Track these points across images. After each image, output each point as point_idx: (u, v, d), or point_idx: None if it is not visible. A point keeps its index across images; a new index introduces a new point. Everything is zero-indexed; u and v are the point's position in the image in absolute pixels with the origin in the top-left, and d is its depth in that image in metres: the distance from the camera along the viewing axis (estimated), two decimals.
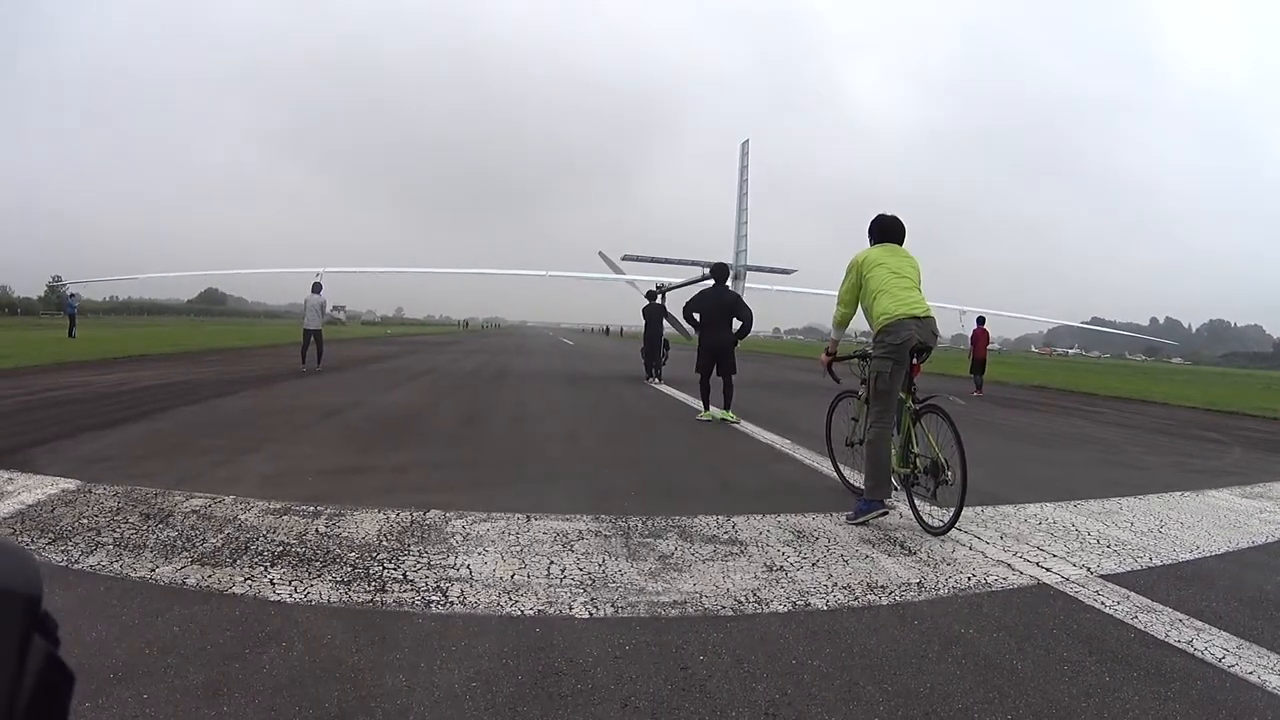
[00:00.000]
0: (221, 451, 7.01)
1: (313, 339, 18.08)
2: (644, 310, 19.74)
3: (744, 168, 23.50)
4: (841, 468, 6.60)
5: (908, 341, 5.38)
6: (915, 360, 5.50)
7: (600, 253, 30.96)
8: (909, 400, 5.51)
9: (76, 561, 3.85)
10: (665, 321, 19.75)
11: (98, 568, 3.78)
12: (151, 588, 3.56)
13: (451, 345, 42.27)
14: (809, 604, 3.74)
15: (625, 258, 27.33)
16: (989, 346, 21.38)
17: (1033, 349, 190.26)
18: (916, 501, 5.40)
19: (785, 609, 3.67)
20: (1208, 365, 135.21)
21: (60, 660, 0.60)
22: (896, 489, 5.52)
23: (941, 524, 5.08)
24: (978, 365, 20.43)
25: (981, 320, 21.09)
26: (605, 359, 33.44)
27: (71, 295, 43.38)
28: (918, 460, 5.38)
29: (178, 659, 2.85)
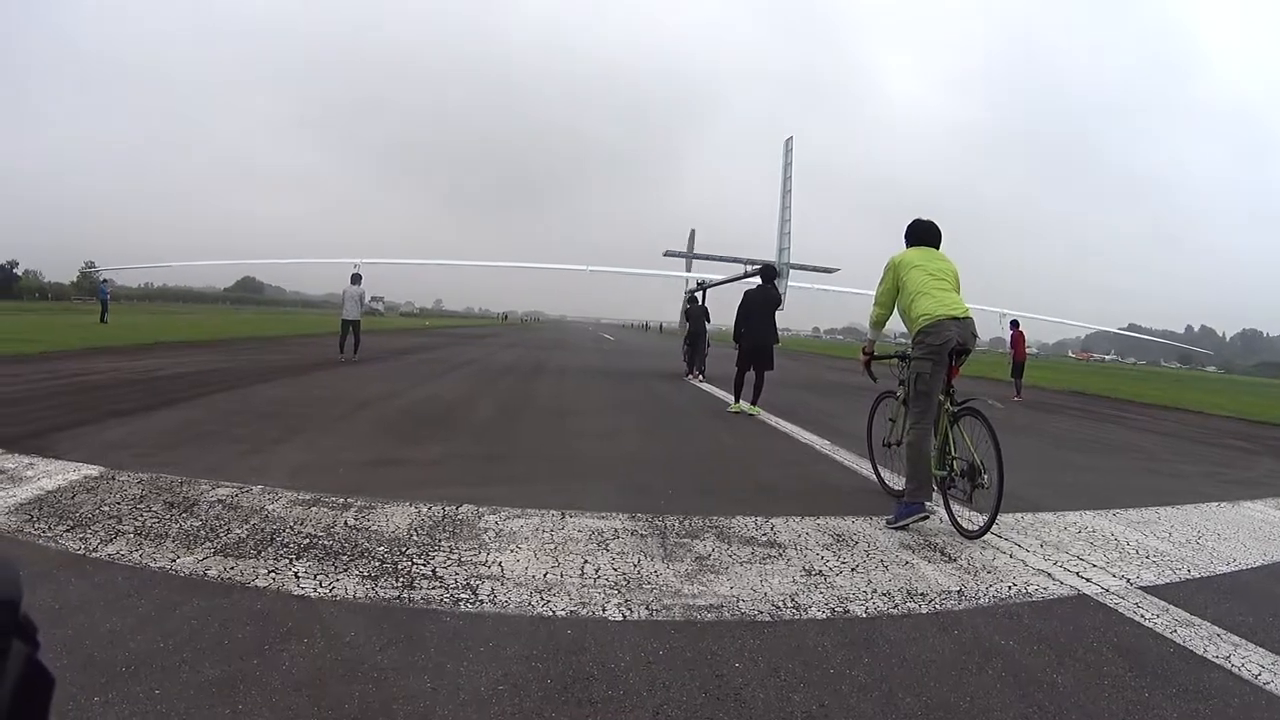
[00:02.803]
0: (252, 440, 6.96)
1: (351, 329, 18.16)
2: (686, 312, 20.07)
3: (787, 164, 23.25)
4: (880, 470, 6.53)
5: (948, 343, 5.31)
6: (953, 363, 5.45)
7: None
8: (947, 402, 5.44)
9: (95, 550, 3.76)
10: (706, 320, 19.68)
11: (116, 556, 3.69)
12: (171, 578, 3.47)
13: (490, 338, 42.34)
14: (848, 611, 3.65)
15: (666, 253, 27.13)
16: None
17: (1070, 354, 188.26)
18: (953, 505, 5.34)
19: (824, 615, 3.58)
20: (1240, 375, 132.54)
21: (40, 664, 0.61)
22: (934, 491, 5.44)
23: (977, 528, 5.03)
24: (1018, 369, 20.19)
25: (1016, 324, 20.99)
26: (645, 355, 33.45)
27: (104, 281, 43.23)
28: (954, 463, 5.33)
29: (194, 653, 2.74)
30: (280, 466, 5.92)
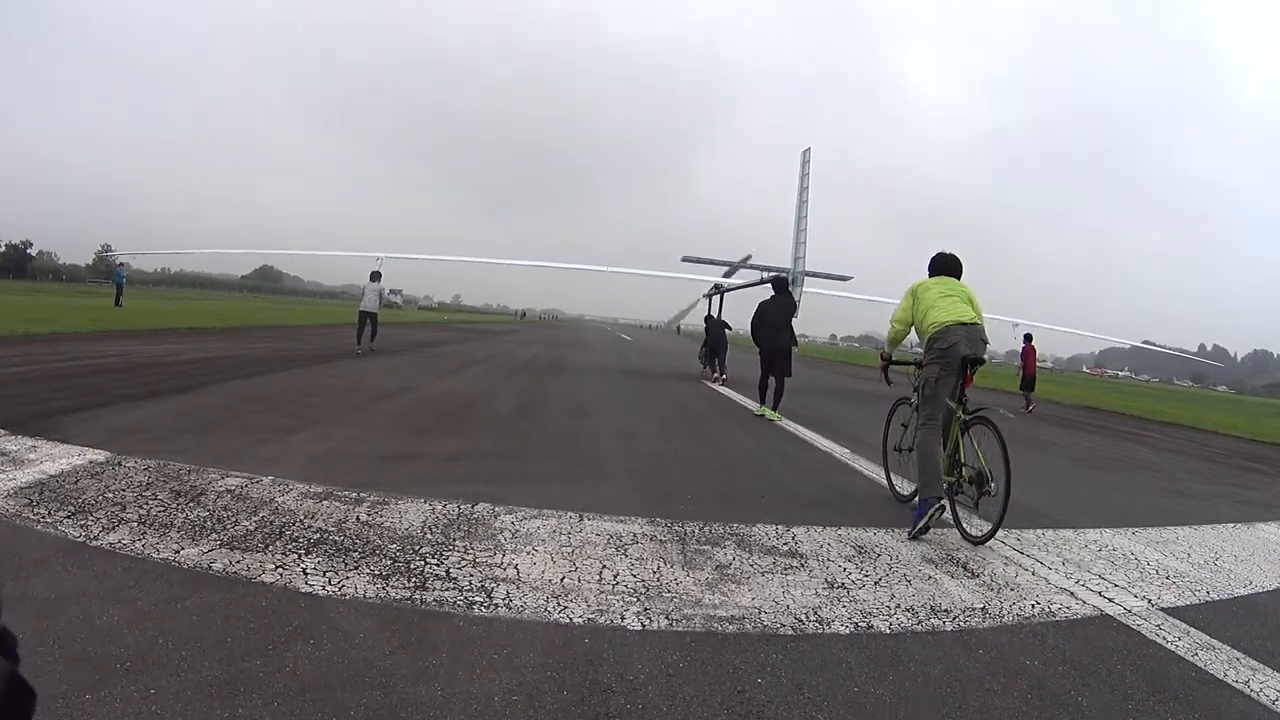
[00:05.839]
0: (264, 429, 6.85)
1: (368, 321, 18.39)
2: (705, 318, 20.73)
3: (804, 175, 23.29)
4: (892, 476, 6.54)
5: (955, 346, 5.45)
6: (968, 372, 5.55)
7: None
8: (959, 411, 5.50)
9: (95, 538, 3.65)
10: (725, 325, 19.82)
11: (117, 546, 3.58)
12: (173, 570, 3.35)
13: (507, 335, 42.22)
14: (871, 626, 3.55)
15: (685, 259, 27.09)
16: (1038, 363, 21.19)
17: (1084, 369, 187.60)
18: (960, 511, 5.37)
19: (847, 630, 3.48)
20: (1250, 395, 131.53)
21: (21, 678, 0.60)
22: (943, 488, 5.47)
23: (981, 534, 5.10)
24: (1028, 382, 20.30)
25: (1029, 337, 21.21)
26: (663, 355, 33.62)
27: (120, 264, 42.34)
28: (963, 470, 5.39)
29: (193, 652, 2.62)
30: (293, 457, 5.82)
